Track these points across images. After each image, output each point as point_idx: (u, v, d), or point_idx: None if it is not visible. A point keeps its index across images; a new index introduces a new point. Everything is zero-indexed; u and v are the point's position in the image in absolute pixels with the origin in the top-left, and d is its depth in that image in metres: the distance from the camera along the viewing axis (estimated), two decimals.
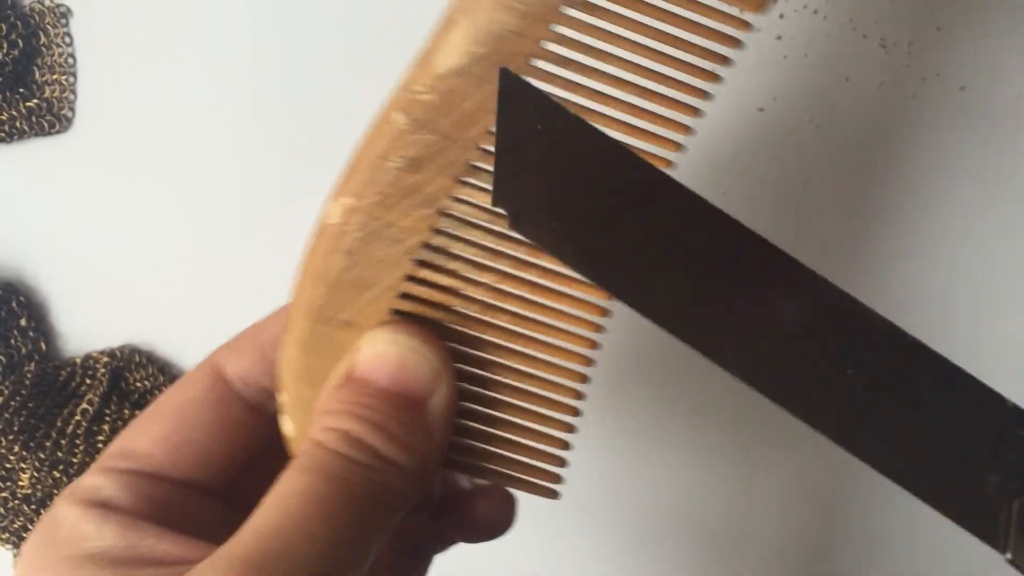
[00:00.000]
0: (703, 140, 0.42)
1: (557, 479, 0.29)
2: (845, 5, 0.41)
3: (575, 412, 0.28)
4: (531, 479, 0.29)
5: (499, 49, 0.25)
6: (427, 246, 0.26)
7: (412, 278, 0.27)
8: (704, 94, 0.28)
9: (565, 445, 0.29)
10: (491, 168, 0.25)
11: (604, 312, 0.27)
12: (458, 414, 0.27)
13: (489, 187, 0.26)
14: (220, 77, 0.40)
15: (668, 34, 0.25)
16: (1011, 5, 0.41)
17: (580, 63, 0.25)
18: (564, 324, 0.27)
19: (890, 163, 0.43)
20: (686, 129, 0.28)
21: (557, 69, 0.25)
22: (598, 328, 0.28)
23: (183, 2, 0.40)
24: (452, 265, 0.27)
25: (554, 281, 0.27)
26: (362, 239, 0.26)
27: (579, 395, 0.28)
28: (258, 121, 0.41)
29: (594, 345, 0.28)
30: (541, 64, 0.25)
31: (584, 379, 0.28)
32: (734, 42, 0.26)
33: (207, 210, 0.42)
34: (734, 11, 0.25)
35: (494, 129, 0.24)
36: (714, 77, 0.28)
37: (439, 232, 0.26)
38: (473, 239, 0.27)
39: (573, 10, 0.25)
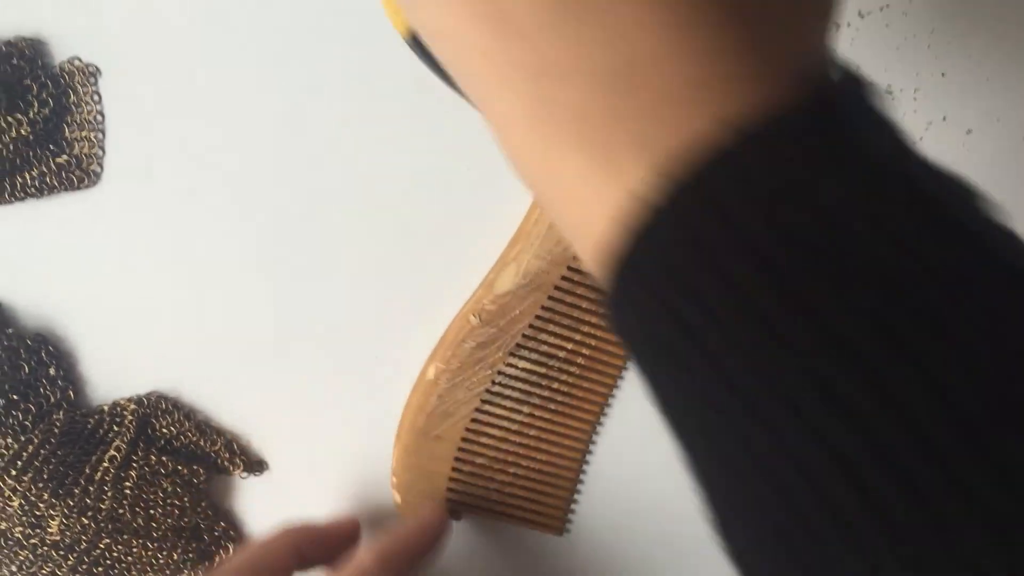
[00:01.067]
0: None
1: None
2: (853, 54, 0.42)
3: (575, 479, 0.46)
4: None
5: (534, 280, 0.42)
6: (488, 391, 0.44)
7: (478, 409, 0.44)
8: None
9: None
10: (529, 348, 0.43)
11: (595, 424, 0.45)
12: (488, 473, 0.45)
13: (527, 362, 0.43)
14: (243, 135, 0.42)
15: None
16: (1014, 50, 0.42)
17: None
18: (565, 431, 0.45)
19: None
20: None
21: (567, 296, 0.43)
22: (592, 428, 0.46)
23: (208, 62, 0.41)
24: (502, 402, 0.44)
25: (560, 409, 0.45)
26: (448, 388, 0.43)
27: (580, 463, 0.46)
28: (280, 176, 0.42)
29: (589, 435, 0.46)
30: (556, 294, 0.43)
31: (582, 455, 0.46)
32: None
33: (229, 262, 0.42)
34: None
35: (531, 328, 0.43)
36: None
37: (496, 383, 0.44)
38: (516, 387, 0.44)
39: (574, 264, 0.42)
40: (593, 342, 0.44)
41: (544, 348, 0.43)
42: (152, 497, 0.43)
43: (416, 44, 0.30)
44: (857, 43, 0.42)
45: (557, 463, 0.45)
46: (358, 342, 0.44)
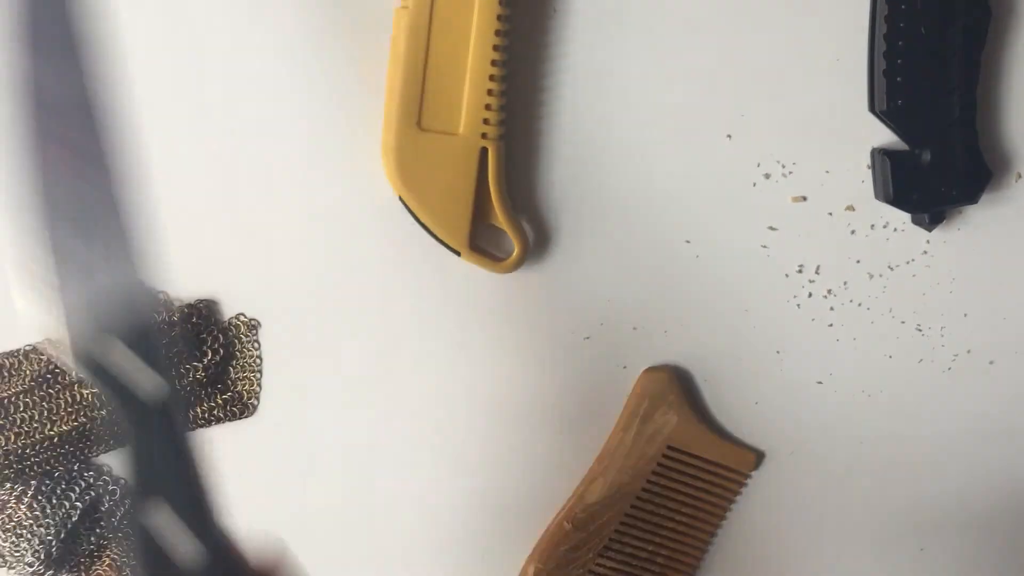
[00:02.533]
0: (774, 407, 0.50)
1: None
2: (885, 299, 0.49)
3: None
4: None
5: (619, 491, 0.50)
6: None
7: None
8: None
9: None
10: (615, 550, 0.51)
11: None
12: None
13: (614, 561, 0.51)
14: (373, 376, 0.50)
15: None
16: None
17: None
18: None
19: (929, 427, 0.50)
20: None
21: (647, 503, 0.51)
22: None
23: (344, 316, 0.50)
24: None
25: None
26: None
27: None
28: (397, 411, 0.50)
29: None
30: (637, 503, 0.50)
31: None
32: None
33: (362, 481, 0.51)
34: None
35: (616, 532, 0.50)
36: None
37: None
38: None
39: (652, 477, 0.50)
40: (671, 543, 0.51)
41: (628, 549, 0.50)
42: None
43: (404, 203, 0.44)
44: (889, 290, 0.49)
45: None
46: (467, 545, 0.51)
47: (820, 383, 0.50)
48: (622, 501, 0.50)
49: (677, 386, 0.49)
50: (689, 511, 0.51)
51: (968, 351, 0.50)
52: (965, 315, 0.50)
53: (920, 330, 0.50)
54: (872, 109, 0.47)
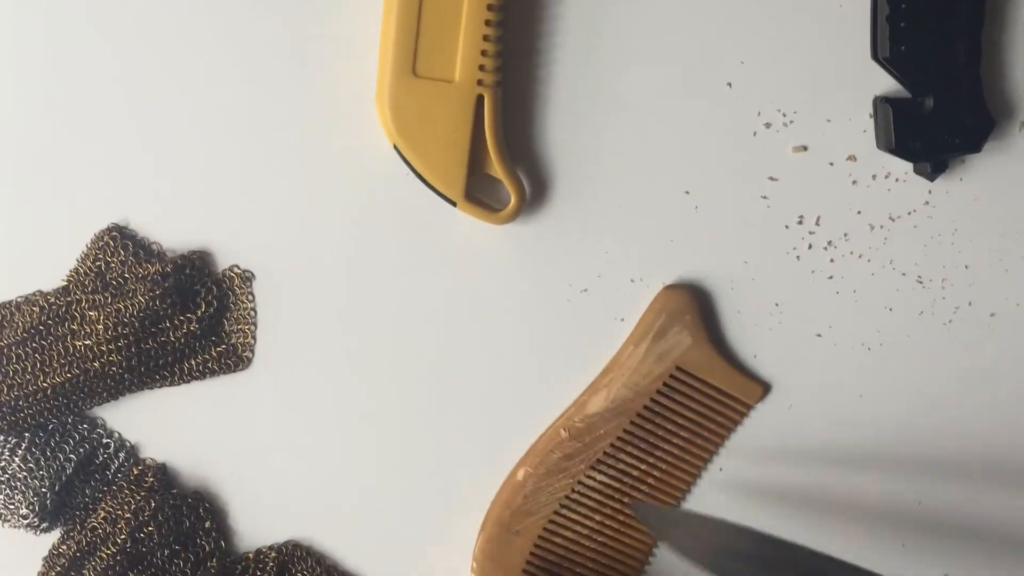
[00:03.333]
0: (772, 361, 0.50)
1: None
2: (886, 251, 0.49)
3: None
4: None
5: (621, 406, 0.50)
6: (567, 497, 0.51)
7: (556, 512, 0.51)
8: None
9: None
10: (608, 464, 0.50)
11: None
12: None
13: (604, 476, 0.50)
14: (367, 325, 0.50)
15: None
16: None
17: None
18: (629, 541, 0.52)
19: (930, 380, 0.50)
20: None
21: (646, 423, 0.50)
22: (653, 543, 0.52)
23: (340, 268, 0.49)
24: (578, 508, 0.51)
25: (628, 521, 0.51)
26: (533, 490, 0.51)
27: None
28: (395, 365, 0.50)
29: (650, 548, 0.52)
30: (637, 420, 0.50)
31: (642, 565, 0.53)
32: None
33: (354, 433, 0.50)
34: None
35: (612, 447, 0.50)
36: None
37: (574, 491, 0.51)
38: (591, 496, 0.51)
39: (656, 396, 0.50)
40: (664, 465, 0.50)
41: (621, 466, 0.50)
42: None
43: (399, 151, 0.45)
44: (890, 242, 0.49)
45: (619, 569, 0.52)
46: (460, 460, 0.51)
47: (819, 336, 0.50)
48: (622, 416, 0.49)
49: (696, 306, 0.49)
50: (687, 435, 0.50)
51: (969, 303, 0.50)
52: (966, 267, 0.49)
53: (921, 282, 0.49)
54: (875, 56, 0.46)
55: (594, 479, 0.50)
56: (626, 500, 0.50)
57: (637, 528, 0.51)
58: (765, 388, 0.50)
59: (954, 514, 0.51)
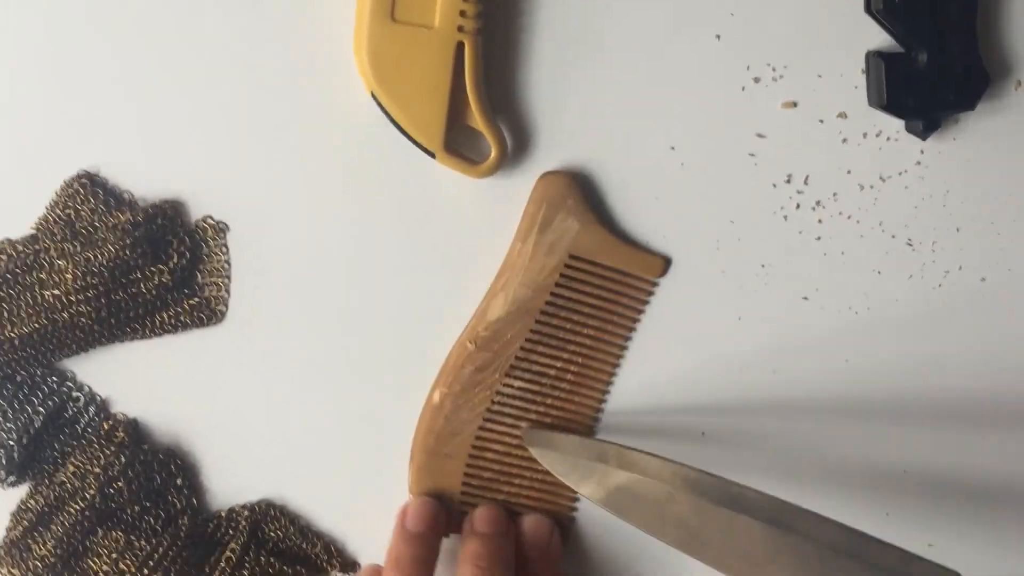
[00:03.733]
0: (757, 323, 0.49)
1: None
2: (876, 212, 0.48)
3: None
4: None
5: (522, 306, 0.48)
6: (489, 410, 0.49)
7: (481, 427, 0.49)
8: None
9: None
10: (523, 369, 0.49)
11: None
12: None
13: (522, 381, 0.48)
14: (344, 277, 0.49)
15: None
16: (1023, 206, 0.48)
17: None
18: None
19: (918, 345, 0.49)
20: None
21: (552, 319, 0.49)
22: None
23: (318, 219, 0.48)
24: (503, 419, 0.49)
25: (555, 423, 0.50)
26: (452, 409, 0.49)
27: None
28: (375, 313, 0.49)
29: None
30: (542, 318, 0.48)
31: None
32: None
33: (331, 389, 0.49)
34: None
35: (522, 350, 0.48)
36: None
37: (495, 403, 0.49)
38: (514, 404, 0.49)
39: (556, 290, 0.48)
40: (580, 359, 0.49)
41: (536, 368, 0.49)
42: None
43: (376, 100, 0.45)
44: (880, 202, 0.48)
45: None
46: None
47: (806, 299, 0.49)
48: (526, 317, 0.48)
49: (577, 190, 0.47)
50: (596, 323, 0.49)
51: (960, 267, 0.49)
52: (958, 229, 0.48)
53: (911, 244, 0.48)
54: (868, 9, 0.45)
55: (512, 386, 0.49)
56: (549, 402, 0.49)
57: (568, 429, 0.50)
58: (665, 261, 0.48)
59: (940, 483, 0.50)
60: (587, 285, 0.48)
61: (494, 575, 0.46)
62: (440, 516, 0.49)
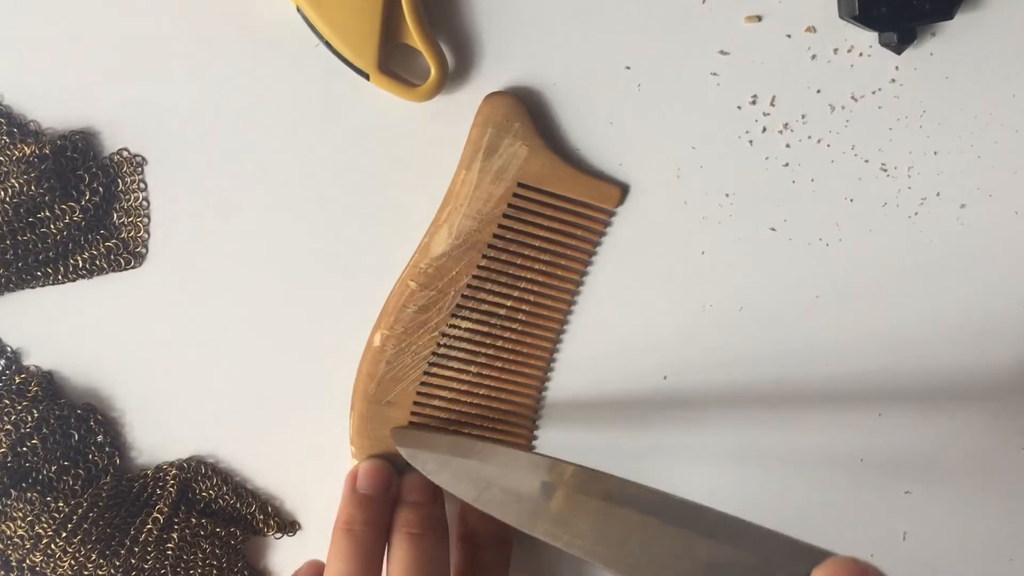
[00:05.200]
0: (722, 258, 0.45)
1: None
2: (847, 135, 0.44)
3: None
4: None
5: (467, 239, 0.44)
6: (434, 354, 0.45)
7: (427, 372, 0.45)
8: None
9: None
10: (470, 308, 0.45)
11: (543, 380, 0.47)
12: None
13: (469, 321, 0.45)
14: (275, 214, 0.45)
15: None
16: (1003, 128, 0.45)
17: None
18: (513, 388, 0.47)
19: (893, 278, 0.46)
20: None
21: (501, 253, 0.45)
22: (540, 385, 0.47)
23: (244, 151, 0.44)
24: (449, 363, 0.46)
25: (507, 366, 0.46)
26: (395, 353, 0.45)
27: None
28: (310, 253, 0.45)
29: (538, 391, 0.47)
30: (490, 252, 0.44)
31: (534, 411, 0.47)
32: None
33: (264, 336, 0.46)
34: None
35: (469, 287, 0.44)
36: None
37: (441, 345, 0.45)
38: (461, 347, 0.45)
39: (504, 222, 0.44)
40: (532, 297, 0.45)
41: (484, 307, 0.45)
42: (192, 558, 0.45)
43: (303, 15, 0.41)
44: (852, 124, 0.44)
45: (509, 420, 0.47)
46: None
47: (773, 229, 0.45)
48: (472, 251, 0.44)
49: (524, 112, 0.43)
50: (549, 258, 0.45)
51: (937, 194, 0.45)
52: (935, 153, 0.45)
53: (885, 170, 0.45)
54: None
55: (459, 327, 0.45)
56: (500, 344, 0.45)
57: (521, 371, 0.46)
58: (622, 190, 0.45)
59: (915, 427, 0.47)
60: (538, 216, 0.44)
61: (426, 542, 0.43)
62: (392, 478, 0.45)
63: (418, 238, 0.44)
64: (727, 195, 0.45)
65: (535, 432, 0.47)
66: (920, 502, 0.47)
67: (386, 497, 0.45)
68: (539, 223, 0.44)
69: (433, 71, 0.42)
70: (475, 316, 0.45)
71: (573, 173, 0.44)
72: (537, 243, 0.45)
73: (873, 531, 0.48)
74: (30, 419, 0.45)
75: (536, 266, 0.45)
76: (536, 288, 0.45)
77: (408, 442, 0.44)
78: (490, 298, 0.45)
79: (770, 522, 0.47)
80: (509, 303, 0.45)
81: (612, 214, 0.45)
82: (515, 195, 0.44)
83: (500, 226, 0.44)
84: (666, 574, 0.35)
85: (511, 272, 0.45)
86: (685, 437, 0.47)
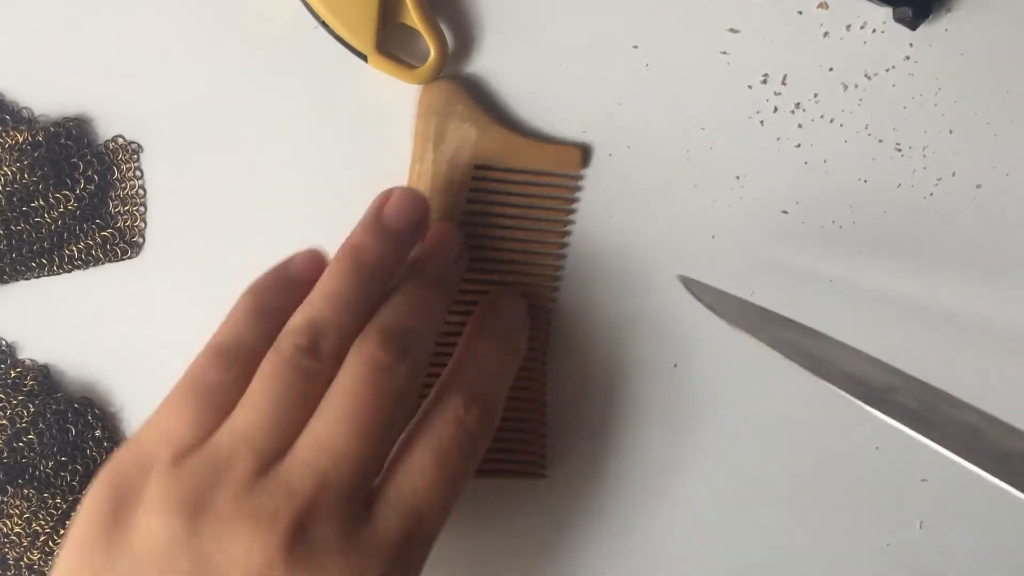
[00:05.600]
0: (733, 242, 0.44)
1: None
2: (861, 114, 0.43)
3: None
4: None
5: None
6: None
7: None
8: None
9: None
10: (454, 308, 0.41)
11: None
12: None
13: (456, 314, 0.42)
14: (274, 201, 0.44)
15: None
16: (1020, 106, 0.43)
17: None
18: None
19: (908, 260, 0.45)
20: None
21: None
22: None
23: (242, 137, 0.43)
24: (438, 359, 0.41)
25: None
26: None
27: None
28: (309, 240, 0.44)
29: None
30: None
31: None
32: None
33: None
34: None
35: None
36: None
37: None
38: (450, 342, 0.41)
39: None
40: (512, 279, 0.44)
41: (467, 298, 0.43)
42: None
43: None
44: (865, 103, 0.43)
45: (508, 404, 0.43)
46: None
47: (785, 212, 0.44)
48: None
49: (464, 94, 0.42)
50: (523, 234, 0.43)
51: (953, 173, 0.44)
52: (951, 132, 0.44)
53: (899, 150, 0.44)
54: None
55: (448, 320, 0.42)
56: None
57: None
58: (583, 150, 0.43)
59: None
60: (503, 193, 0.43)
61: (428, 294, 0.38)
62: (425, 218, 0.39)
63: None
64: (737, 177, 0.44)
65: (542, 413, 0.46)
66: (936, 490, 0.46)
67: (412, 237, 0.39)
68: (505, 201, 0.43)
69: (433, 52, 0.41)
70: (457, 308, 0.43)
71: (527, 144, 0.42)
72: (508, 220, 0.43)
73: (888, 519, 0.47)
74: (26, 414, 0.44)
75: (511, 244, 0.43)
76: (516, 265, 0.44)
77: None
78: (471, 287, 0.43)
79: (785, 512, 0.46)
80: (492, 287, 0.44)
81: (579, 177, 0.44)
82: (474, 178, 0.42)
83: (465, 212, 0.43)
84: None
85: (488, 256, 0.43)
86: (693, 423, 0.46)
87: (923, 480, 0.46)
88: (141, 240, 0.44)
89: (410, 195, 0.39)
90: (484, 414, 0.37)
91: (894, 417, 0.34)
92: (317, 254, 0.39)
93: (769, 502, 0.45)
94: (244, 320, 0.37)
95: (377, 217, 0.38)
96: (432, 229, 0.41)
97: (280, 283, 0.38)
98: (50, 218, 0.43)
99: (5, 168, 0.42)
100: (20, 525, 0.44)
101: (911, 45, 0.43)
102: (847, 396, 0.35)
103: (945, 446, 0.33)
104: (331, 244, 0.44)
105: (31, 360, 0.45)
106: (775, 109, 0.43)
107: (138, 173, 0.44)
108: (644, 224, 0.44)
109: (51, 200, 0.43)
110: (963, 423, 0.35)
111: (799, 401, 0.45)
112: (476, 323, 0.41)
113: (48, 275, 0.44)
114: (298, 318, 0.36)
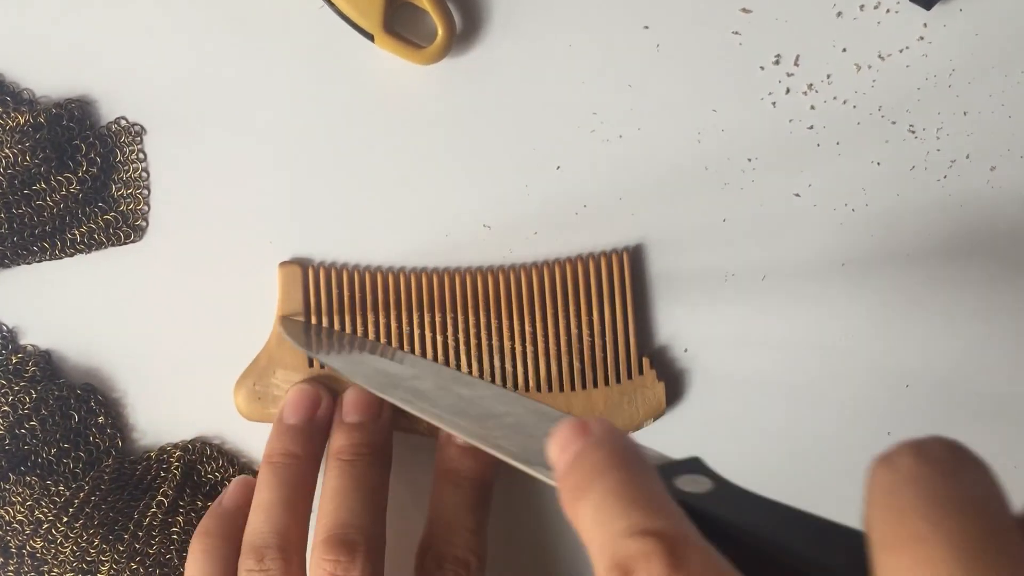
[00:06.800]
0: (745, 225, 0.44)
1: None
2: (874, 96, 0.43)
3: None
4: None
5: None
6: None
7: None
8: None
9: None
10: None
11: None
12: None
13: None
14: (279, 184, 0.43)
15: None
16: None
17: None
18: None
19: (922, 243, 0.44)
20: None
21: None
22: None
23: (246, 118, 0.43)
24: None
25: None
26: None
27: None
28: (315, 223, 0.43)
29: None
30: None
31: None
32: None
33: (269, 311, 0.44)
34: None
35: None
36: None
37: None
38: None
39: None
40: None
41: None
42: None
43: None
44: (879, 85, 0.43)
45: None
46: None
47: (797, 195, 0.43)
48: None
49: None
50: None
51: (967, 156, 0.44)
52: (965, 113, 0.43)
53: (913, 132, 0.43)
54: None
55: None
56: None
57: None
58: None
59: (944, 399, 0.46)
60: None
61: (357, 469, 0.41)
62: (319, 405, 0.43)
63: (424, 207, 0.43)
64: (749, 159, 0.43)
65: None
66: None
67: (310, 426, 0.42)
68: None
69: (440, 32, 0.40)
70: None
71: None
72: None
73: None
74: (28, 400, 0.43)
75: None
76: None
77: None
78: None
79: (791, 493, 0.45)
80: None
81: None
82: None
83: None
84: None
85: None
86: (706, 410, 0.45)
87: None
88: (144, 224, 0.43)
89: (296, 392, 0.43)
90: None
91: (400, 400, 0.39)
92: (248, 481, 0.43)
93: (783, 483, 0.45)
94: (202, 562, 0.41)
95: (280, 420, 0.42)
96: (344, 405, 0.43)
97: (219, 517, 0.42)
98: (52, 201, 0.42)
99: (6, 150, 0.41)
100: (23, 513, 0.43)
101: (925, 25, 0.42)
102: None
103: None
104: (334, 226, 0.43)
105: (33, 346, 0.44)
106: (787, 90, 0.43)
107: (141, 155, 0.43)
108: (654, 205, 0.43)
109: (53, 183, 0.42)
110: (469, 398, 0.38)
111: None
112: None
113: (50, 259, 0.43)
114: (244, 543, 0.40)
